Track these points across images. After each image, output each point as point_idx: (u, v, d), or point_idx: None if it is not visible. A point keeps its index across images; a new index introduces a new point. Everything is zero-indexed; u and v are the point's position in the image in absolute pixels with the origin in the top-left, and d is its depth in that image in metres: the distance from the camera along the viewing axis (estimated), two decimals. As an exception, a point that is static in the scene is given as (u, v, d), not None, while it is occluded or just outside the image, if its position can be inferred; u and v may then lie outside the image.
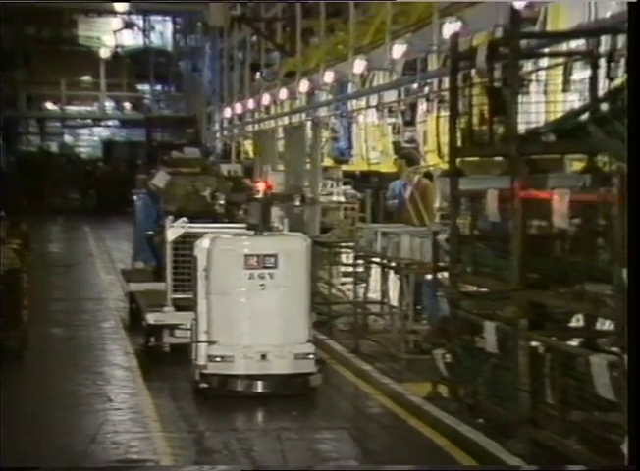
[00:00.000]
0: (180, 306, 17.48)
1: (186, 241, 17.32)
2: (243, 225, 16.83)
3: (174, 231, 17.60)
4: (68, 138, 67.49)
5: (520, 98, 13.93)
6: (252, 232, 15.77)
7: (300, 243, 15.78)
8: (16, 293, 18.57)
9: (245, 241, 15.51)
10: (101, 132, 67.10)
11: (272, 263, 15.09)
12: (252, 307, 15.14)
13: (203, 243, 15.44)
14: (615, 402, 10.89)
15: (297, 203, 25.93)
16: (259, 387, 15.04)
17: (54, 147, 66.60)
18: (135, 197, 26.64)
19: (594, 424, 11.57)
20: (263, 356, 14.98)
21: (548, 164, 14.07)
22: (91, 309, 25.10)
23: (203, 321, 15.32)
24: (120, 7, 48.26)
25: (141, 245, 23.77)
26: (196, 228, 17.30)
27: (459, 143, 14.76)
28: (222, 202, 23.83)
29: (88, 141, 67.10)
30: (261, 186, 17.14)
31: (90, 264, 35.48)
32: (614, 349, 11.06)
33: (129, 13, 52.88)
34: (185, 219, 17.80)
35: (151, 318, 17.73)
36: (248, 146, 45.68)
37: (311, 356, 15.30)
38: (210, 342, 15.09)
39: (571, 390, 12.03)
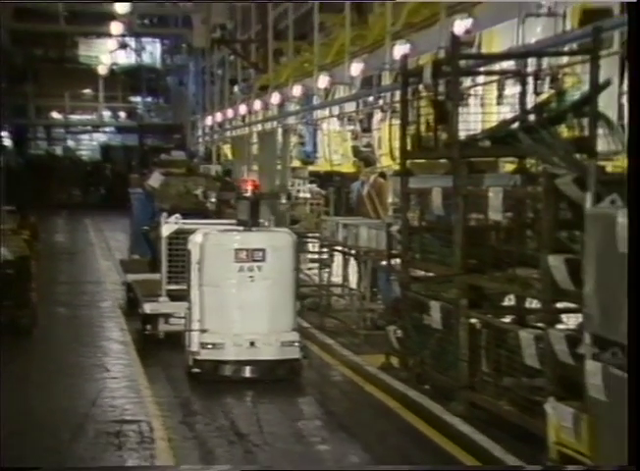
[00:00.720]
0: (174, 296, 16.79)
1: (180, 237, 16.62)
2: (233, 221, 16.30)
3: (168, 227, 16.96)
4: (71, 143, 67.36)
5: (460, 109, 14.04)
6: (242, 227, 15.05)
7: (287, 238, 15.05)
8: (26, 278, 18.51)
9: (236, 236, 14.79)
10: (99, 138, 67.04)
11: (260, 257, 14.42)
12: (242, 298, 14.48)
13: (196, 238, 14.77)
14: (540, 370, 11.01)
15: (284, 201, 25.43)
16: (248, 372, 14.40)
17: (59, 151, 66.52)
18: (132, 196, 26.28)
19: (522, 388, 11.67)
20: (252, 343, 14.35)
21: (484, 166, 14.24)
22: (91, 291, 25.02)
23: (196, 310, 14.63)
24: (115, 30, 48.16)
25: (138, 240, 23.29)
26: (189, 224, 16.67)
27: (409, 147, 14.78)
28: (213, 200, 23.81)
29: (88, 145, 67.03)
30: (250, 185, 16.92)
31: (90, 252, 35.34)
32: (540, 325, 11.13)
33: (123, 35, 52.72)
34: (178, 216, 17.19)
35: (148, 308, 16.99)
36: (227, 150, 45.71)
37: (296, 343, 14.60)
38: (202, 330, 14.43)
39: (503, 359, 12.11)
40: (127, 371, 15.76)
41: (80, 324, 20.42)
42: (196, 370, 14.43)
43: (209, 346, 14.34)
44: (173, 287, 17.01)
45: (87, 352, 17.45)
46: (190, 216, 17.77)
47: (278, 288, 14.67)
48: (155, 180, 23.01)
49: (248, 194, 15.87)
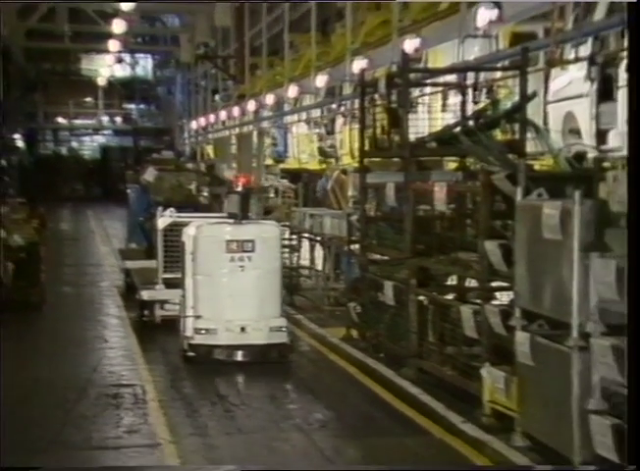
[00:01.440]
0: (169, 284, 15.92)
1: (174, 229, 15.73)
2: (224, 214, 15.86)
3: (164, 220, 16.12)
4: (74, 144, 67.30)
5: (410, 116, 14.13)
6: (232, 220, 14.30)
7: (274, 230, 14.36)
8: (35, 260, 18.48)
9: (227, 229, 13.93)
10: (99, 139, 66.95)
11: (250, 247, 13.61)
12: (233, 286, 13.65)
13: (190, 230, 13.99)
14: (478, 339, 11.06)
15: (271, 195, 24.80)
16: (240, 356, 13.56)
17: (64, 151, 66.50)
18: (129, 190, 25.62)
19: (462, 356, 11.71)
20: (242, 329, 13.52)
21: (431, 164, 14.30)
22: (92, 272, 25.00)
23: (190, 298, 13.85)
24: (113, 47, 48.00)
25: (134, 230, 22.66)
26: (183, 217, 15.89)
27: (367, 148, 14.90)
28: (206, 194, 23.70)
29: (89, 146, 66.94)
30: (241, 181, 16.69)
31: (91, 239, 35.26)
32: (478, 301, 11.18)
33: (119, 52, 52.46)
34: (172, 209, 16.38)
35: (145, 295, 16.28)
36: (210, 150, 45.79)
37: (284, 329, 13.84)
38: (196, 317, 13.65)
39: (447, 331, 12.16)
40: (123, 342, 15.77)
41: (82, 301, 20.40)
42: (191, 354, 13.68)
43: (203, 332, 13.58)
44: (168, 275, 16.10)
45: (89, 325, 17.45)
46: (182, 208, 17.17)
47: (266, 277, 13.87)
48: (150, 174, 22.70)
49: (239, 189, 15.58)
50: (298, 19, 31.95)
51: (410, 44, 19.20)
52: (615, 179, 8.59)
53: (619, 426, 8.23)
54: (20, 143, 56.06)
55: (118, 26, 40.50)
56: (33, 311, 17.83)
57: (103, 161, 63.59)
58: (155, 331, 16.29)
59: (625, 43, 13.46)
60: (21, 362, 14.15)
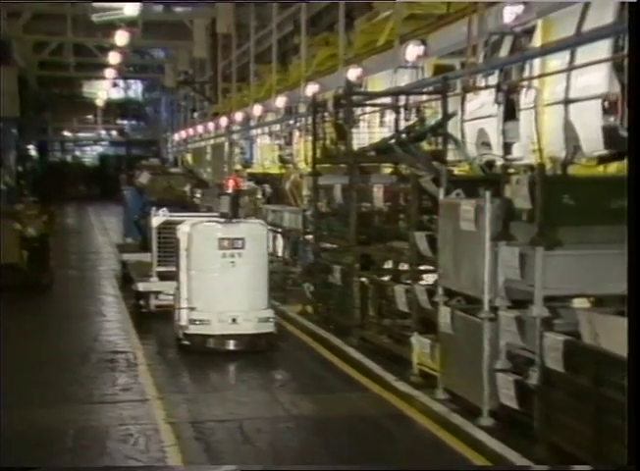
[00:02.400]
0: (163, 276, 14.73)
1: (168, 226, 14.62)
2: (215, 213, 14.45)
3: (158, 219, 14.97)
4: (77, 153, 67.00)
5: (354, 130, 14.16)
6: (224, 219, 13.02)
7: (262, 229, 13.04)
8: (46, 249, 18.36)
9: (219, 227, 12.70)
10: (98, 149, 66.69)
11: (240, 245, 12.41)
12: (225, 280, 12.45)
13: (184, 228, 12.84)
14: (409, 313, 11.07)
15: (259, 196, 23.34)
16: (232, 345, 12.40)
17: (69, 158, 66.28)
18: (125, 191, 24.78)
19: (396, 326, 11.75)
20: (234, 320, 12.32)
21: (370, 169, 14.31)
22: (92, 259, 24.84)
23: (184, 290, 12.61)
24: (109, 74, 47.90)
25: (130, 226, 21.47)
26: (176, 216, 14.73)
27: (318, 156, 14.88)
28: (198, 195, 23.31)
29: (90, 155, 66.65)
30: (231, 184, 16.09)
31: (92, 231, 35.01)
32: (409, 281, 11.19)
33: (115, 78, 52.35)
34: (165, 209, 15.23)
35: (141, 286, 15.07)
36: (189, 157, 45.70)
37: (271, 319, 12.63)
38: (191, 308, 12.44)
39: (384, 306, 12.19)
40: (118, 316, 15.68)
41: (84, 282, 20.28)
42: (186, 342, 12.54)
43: (197, 322, 12.37)
44: (162, 268, 14.88)
45: (90, 302, 17.37)
46: (172, 207, 16.05)
47: (255, 272, 12.63)
48: (144, 177, 22.10)
49: (229, 191, 14.73)
50: (262, 52, 31.93)
51: (353, 73, 19.32)
52: (518, 181, 8.64)
53: (520, 381, 8.34)
54: (33, 153, 55.70)
55: (113, 57, 40.43)
56: (44, 291, 17.74)
57: (101, 167, 63.30)
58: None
59: (525, 74, 13.62)
60: (34, 332, 14.08)
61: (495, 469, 7.97)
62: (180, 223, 13.49)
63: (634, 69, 5.35)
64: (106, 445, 8.66)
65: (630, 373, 4.86)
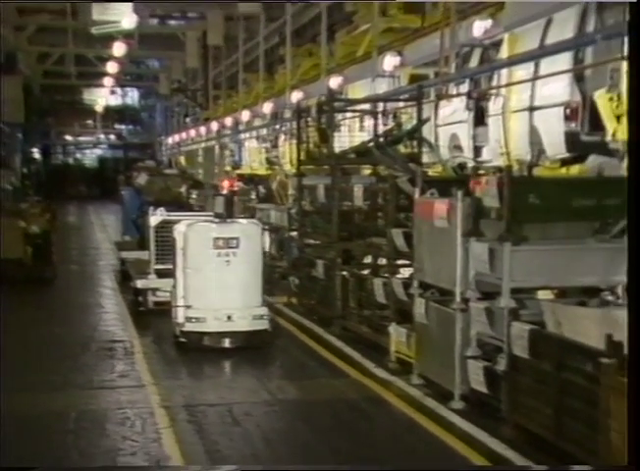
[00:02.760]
0: (160, 274, 14.10)
1: (165, 226, 13.93)
2: (210, 213, 14.34)
3: (155, 218, 14.32)
4: (78, 156, 66.70)
5: (336, 134, 14.15)
6: (218, 219, 12.64)
7: (256, 228, 12.38)
8: (48, 245, 18.27)
9: (214, 227, 12.14)
10: (97, 152, 66.37)
11: (235, 244, 11.81)
12: (220, 279, 11.83)
13: (181, 228, 12.21)
14: (386, 304, 11.06)
15: (252, 197, 22.38)
16: (227, 343, 11.78)
17: (71, 161, 65.92)
18: (123, 192, 24.29)
19: (375, 317, 11.73)
20: (229, 317, 11.73)
21: (351, 170, 14.30)
22: (92, 254, 24.73)
23: (181, 289, 12.00)
24: (108, 82, 47.82)
25: (128, 225, 20.95)
26: (173, 216, 14.12)
27: (302, 158, 14.83)
28: (194, 196, 22.99)
29: (90, 157, 66.31)
30: (226, 185, 15.54)
31: (91, 228, 34.83)
32: (387, 275, 11.19)
33: (113, 86, 52.20)
34: (162, 209, 14.59)
35: (139, 284, 14.41)
36: (182, 159, 45.56)
37: (266, 317, 12.05)
38: (187, 306, 11.83)
39: (364, 298, 12.17)
40: (116, 308, 15.59)
41: (85, 276, 20.18)
42: (183, 339, 11.93)
43: (193, 320, 11.77)
44: (160, 266, 14.22)
45: (90, 295, 17.29)
46: (169, 206, 15.43)
47: (249, 270, 12.01)
48: (142, 178, 21.72)
49: (224, 192, 14.54)
50: (250, 62, 31.87)
51: (335, 81, 19.33)
52: (487, 182, 8.65)
53: (489, 367, 8.36)
54: (37, 155, 55.36)
55: (112, 67, 40.38)
56: (47, 284, 17.63)
57: (100, 168, 62.99)
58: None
59: (493, 83, 13.66)
60: (37, 322, 14.02)
61: (495, 469, 7.58)
62: (177, 222, 12.94)
63: (634, 69, 5.06)
64: (105, 428, 8.64)
65: (630, 373, 4.67)
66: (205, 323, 11.81)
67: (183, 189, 21.79)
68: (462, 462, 7.62)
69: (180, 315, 11.97)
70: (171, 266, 12.80)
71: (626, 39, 10.23)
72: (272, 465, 7.25)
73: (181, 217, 13.66)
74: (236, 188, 22.26)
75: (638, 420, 4.59)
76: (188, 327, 11.88)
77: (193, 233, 12.08)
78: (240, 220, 13.11)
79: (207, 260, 11.93)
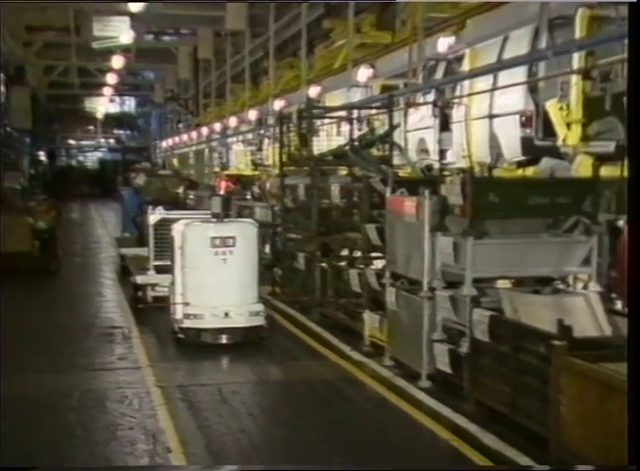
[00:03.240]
0: (159, 270, 13.40)
1: (163, 224, 13.24)
2: (207, 212, 13.13)
3: (154, 217, 13.61)
4: (81, 158, 66.31)
5: (315, 138, 14.09)
6: (215, 219, 11.76)
7: (252, 228, 11.53)
8: (54, 239, 18.11)
9: (211, 226, 11.41)
10: (98, 155, 65.89)
11: (231, 243, 11.09)
12: (217, 276, 11.10)
13: (179, 227, 11.46)
14: (361, 293, 11.04)
15: (249, 197, 21.34)
16: (224, 339, 11.08)
17: (74, 163, 65.52)
18: (123, 192, 23.76)
19: (351, 305, 11.70)
20: (226, 314, 11.02)
21: (329, 171, 14.22)
22: (93, 248, 24.51)
23: (179, 286, 11.28)
24: (107, 92, 47.67)
25: (128, 223, 20.27)
26: (171, 214, 13.53)
27: (285, 160, 14.76)
28: (192, 196, 22.30)
29: (91, 159, 65.91)
30: (223, 185, 14.98)
31: (92, 224, 34.54)
32: (361, 266, 11.17)
33: (112, 95, 51.92)
34: (161, 208, 13.96)
35: (139, 279, 13.65)
36: (175, 161, 45.42)
37: (261, 313, 11.31)
38: (185, 303, 11.12)
39: (341, 287, 12.14)
40: (115, 297, 15.43)
41: (87, 268, 20.00)
42: (181, 335, 11.22)
43: (191, 317, 11.09)
44: (158, 262, 13.48)
45: (91, 285, 17.14)
46: (166, 205, 14.64)
47: (246, 268, 11.24)
48: (141, 179, 21.15)
49: (222, 192, 13.97)
50: (237, 74, 31.79)
51: (314, 91, 19.36)
52: (452, 182, 8.65)
53: (453, 350, 8.36)
54: (43, 158, 54.95)
55: (111, 78, 40.27)
56: (52, 275, 17.46)
57: (101, 170, 62.57)
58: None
59: (456, 93, 13.68)
60: (44, 311, 13.91)
61: (496, 469, 7.05)
62: (175, 220, 12.24)
63: (634, 69, 4.65)
64: (105, 405, 8.58)
65: (630, 373, 4.37)
66: (203, 319, 11.09)
67: (180, 190, 21.19)
68: (429, 434, 7.63)
69: (178, 312, 11.29)
70: (169, 262, 12.22)
71: (575, 55, 10.38)
72: (272, 465, 6.92)
73: (178, 215, 13.10)
74: (231, 189, 21.80)
75: (638, 420, 4.31)
76: (187, 323, 11.17)
77: (191, 232, 11.36)
78: (237, 220, 12.50)
79: (205, 258, 11.20)
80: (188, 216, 12.85)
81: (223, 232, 11.30)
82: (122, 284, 16.29)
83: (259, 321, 11.31)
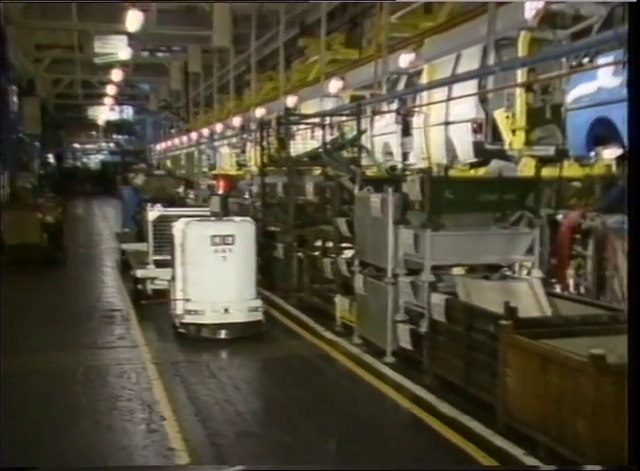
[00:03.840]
0: (158, 264, 12.48)
1: (162, 220, 12.50)
2: (206, 209, 12.60)
3: (153, 213, 12.84)
4: (85, 160, 65.71)
5: (292, 142, 14.00)
6: (214, 217, 11.16)
7: (250, 227, 10.66)
8: (60, 233, 17.87)
9: (211, 225, 10.64)
10: (100, 157, 65.32)
11: (231, 241, 10.25)
12: (217, 273, 10.25)
13: (179, 225, 10.57)
14: (333, 279, 11.00)
15: (247, 197, 19.80)
16: (223, 334, 10.24)
17: (79, 164, 64.92)
18: (123, 190, 22.54)
19: (324, 290, 11.65)
20: (226, 310, 10.19)
21: (304, 171, 14.16)
22: (95, 240, 24.27)
23: (180, 282, 10.41)
24: (108, 102, 47.37)
25: (127, 219, 19.16)
26: (169, 211, 12.81)
27: (265, 161, 14.65)
28: (192, 196, 21.42)
29: (94, 161, 65.33)
30: (222, 185, 14.07)
31: (94, 218, 34.23)
32: (333, 255, 11.13)
33: (112, 104, 51.49)
34: (159, 205, 13.19)
35: (139, 273, 12.60)
36: (168, 162, 45.12)
37: (260, 309, 10.50)
38: (186, 299, 10.29)
39: (315, 274, 12.09)
40: (114, 283, 15.26)
41: (90, 258, 19.77)
42: (182, 330, 10.36)
43: (192, 313, 10.23)
44: (157, 257, 12.60)
45: (94, 273, 16.97)
46: (164, 203, 13.71)
47: (244, 266, 10.38)
48: (140, 179, 20.36)
49: (220, 192, 13.04)
50: (222, 86, 31.61)
51: (291, 100, 19.31)
52: (412, 181, 8.64)
53: (413, 329, 8.35)
54: (51, 160, 54.56)
55: (111, 89, 40.02)
56: (59, 264, 17.25)
57: (102, 170, 61.78)
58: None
59: (417, 102, 13.68)
60: (51, 296, 13.73)
61: (499, 470, 6.31)
62: (173, 217, 11.47)
63: (634, 69, 4.28)
64: (107, 379, 8.50)
65: (630, 373, 4.04)
66: (203, 315, 10.24)
67: (180, 190, 20.13)
68: (392, 403, 7.61)
69: (179, 307, 10.43)
70: (167, 257, 11.45)
71: (519, 71, 10.42)
72: (273, 465, 6.37)
73: (176, 212, 12.38)
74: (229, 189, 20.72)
75: (638, 420, 3.98)
76: (187, 319, 10.32)
77: (192, 230, 10.45)
78: (235, 218, 11.43)
79: (205, 256, 10.30)
80: (186, 214, 12.05)
81: (222, 230, 10.43)
82: (121, 274, 16.08)
83: (258, 316, 10.49)
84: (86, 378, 8.57)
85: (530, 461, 5.90)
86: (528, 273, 8.42)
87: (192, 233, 10.45)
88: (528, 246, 8.39)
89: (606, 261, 8.27)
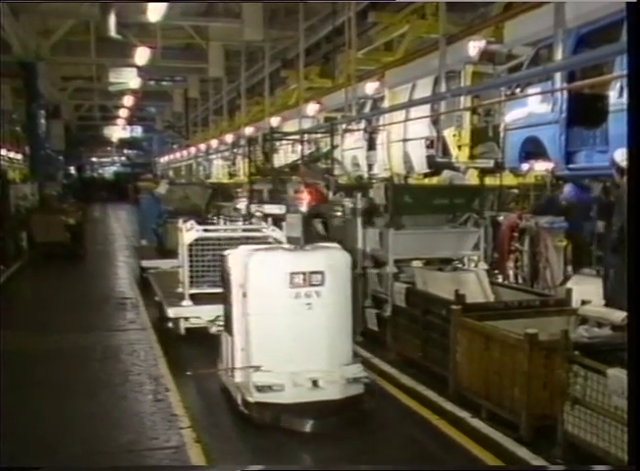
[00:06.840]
0: (195, 299, 8.09)
1: (201, 243, 8.07)
2: (251, 227, 8.59)
3: (190, 235, 8.05)
4: (101, 171, 65.13)
5: (275, 155, 13.94)
6: (291, 245, 6.36)
7: (344, 257, 6.18)
8: (81, 232, 17.62)
9: (288, 257, 5.94)
10: (113, 169, 64.87)
11: (319, 281, 5.83)
12: (298, 329, 5.83)
13: (239, 257, 6.02)
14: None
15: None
16: (310, 421, 5.63)
17: (96, 175, 64.28)
18: (141, 199, 17.31)
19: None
20: (314, 382, 5.77)
21: (286, 180, 13.96)
22: (110, 239, 23.85)
23: (240, 340, 5.98)
24: (120, 123, 46.97)
25: (145, 230, 14.98)
26: (212, 231, 8.19)
27: (253, 171, 14.48)
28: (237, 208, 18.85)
29: (109, 172, 64.72)
30: (306, 197, 9.11)
31: (108, 220, 33.82)
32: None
33: (124, 124, 51.07)
34: (193, 222, 8.20)
35: (171, 312, 8.12)
36: (171, 173, 44.82)
37: (364, 378, 6.07)
38: (255, 368, 5.79)
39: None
40: (127, 275, 14.92)
41: (106, 254, 19.40)
42: (254, 415, 5.75)
43: (266, 388, 5.72)
44: (194, 290, 8.13)
45: (109, 267, 16.65)
46: (187, 216, 9.22)
47: (338, 316, 5.99)
48: (162, 187, 15.98)
49: (302, 208, 8.15)
50: (217, 109, 31.46)
51: (275, 120, 19.15)
52: (377, 187, 8.57)
53: (379, 313, 8.23)
54: (73, 172, 53.97)
55: (123, 112, 39.82)
56: (80, 259, 16.94)
57: (116, 180, 60.88)
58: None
59: (380, 122, 13.63)
60: (71, 285, 13.49)
61: (506, 469, 5.03)
62: (215, 239, 8.01)
63: (634, 69, 3.62)
64: (120, 357, 8.29)
65: (630, 372, 3.51)
66: (282, 392, 5.75)
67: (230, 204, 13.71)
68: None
69: (241, 377, 6.00)
70: (208, 289, 7.94)
71: (464, 98, 10.40)
72: (272, 465, 4.93)
73: (221, 233, 8.22)
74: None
75: (638, 420, 3.46)
76: (258, 397, 5.76)
77: (259, 264, 5.90)
78: (322, 246, 6.38)
79: (281, 303, 5.82)
80: (238, 235, 8.13)
81: (307, 265, 5.88)
82: (131, 266, 15.83)
83: (358, 389, 6.02)
84: (104, 355, 8.38)
85: (476, 423, 5.81)
86: (475, 265, 8.35)
87: (261, 268, 5.90)
88: (475, 243, 8.33)
89: (539, 255, 8.24)
